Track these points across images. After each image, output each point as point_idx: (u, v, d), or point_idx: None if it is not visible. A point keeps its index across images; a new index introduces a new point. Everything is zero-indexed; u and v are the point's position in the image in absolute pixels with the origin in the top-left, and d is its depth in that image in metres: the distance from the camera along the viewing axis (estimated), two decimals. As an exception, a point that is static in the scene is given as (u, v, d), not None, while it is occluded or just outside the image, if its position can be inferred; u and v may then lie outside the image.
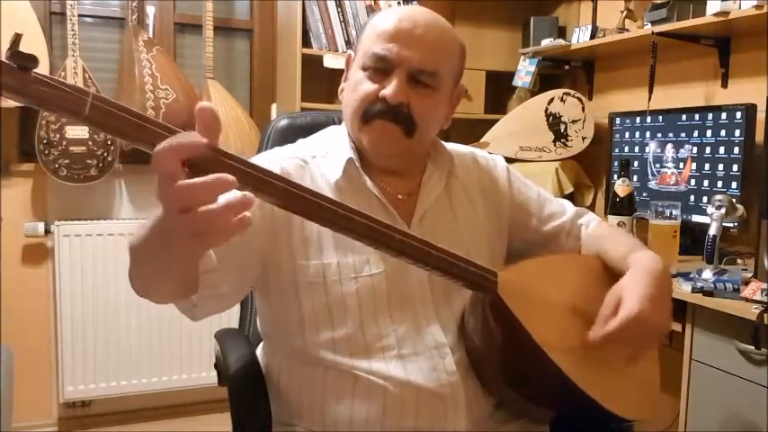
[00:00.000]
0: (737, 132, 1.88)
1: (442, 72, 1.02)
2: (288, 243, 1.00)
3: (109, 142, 2.43)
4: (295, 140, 1.15)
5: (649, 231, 1.85)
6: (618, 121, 2.34)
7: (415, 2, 2.56)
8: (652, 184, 2.19)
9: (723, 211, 1.69)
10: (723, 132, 1.93)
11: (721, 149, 1.93)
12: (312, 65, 2.47)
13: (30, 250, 2.50)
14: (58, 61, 2.47)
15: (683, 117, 2.07)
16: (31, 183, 2.49)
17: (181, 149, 0.58)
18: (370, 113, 1.00)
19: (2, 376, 1.99)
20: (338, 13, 2.52)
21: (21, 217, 2.46)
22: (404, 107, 0.99)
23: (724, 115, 1.93)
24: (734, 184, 1.89)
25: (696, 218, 2.00)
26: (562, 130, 2.56)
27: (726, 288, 1.54)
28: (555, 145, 2.56)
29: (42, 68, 2.42)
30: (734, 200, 1.74)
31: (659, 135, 2.16)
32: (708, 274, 1.61)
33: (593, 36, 2.43)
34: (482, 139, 2.62)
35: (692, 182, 2.04)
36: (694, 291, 1.56)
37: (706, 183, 1.99)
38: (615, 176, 2.20)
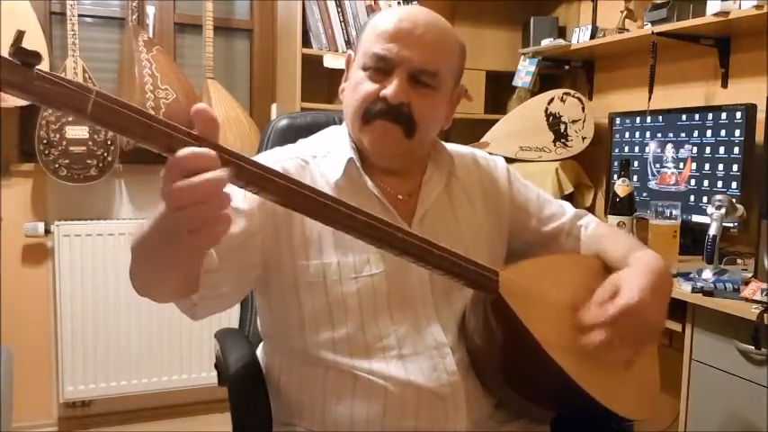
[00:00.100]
0: (737, 132, 1.89)
1: (443, 72, 1.02)
2: (288, 243, 1.00)
3: (109, 142, 2.43)
4: (295, 140, 1.15)
5: (649, 231, 1.85)
6: (618, 121, 2.34)
7: (416, 2, 2.56)
8: (652, 184, 2.19)
9: (723, 211, 1.69)
10: (723, 132, 1.93)
11: (721, 149, 1.94)
12: (312, 65, 2.47)
13: (30, 250, 2.50)
14: (58, 61, 2.47)
15: (683, 117, 2.07)
16: (31, 183, 2.49)
17: (204, 186, 0.60)
18: (371, 113, 1.00)
19: (2, 376, 1.99)
20: (338, 13, 2.52)
21: (21, 217, 2.46)
22: (404, 107, 0.99)
23: (724, 115, 1.93)
24: (734, 184, 1.89)
25: (696, 218, 2.00)
26: (562, 130, 2.56)
27: (726, 288, 1.54)
28: (555, 145, 2.56)
29: (42, 68, 2.41)
30: (734, 200, 1.74)
31: (659, 135, 2.16)
32: (708, 274, 1.61)
33: (593, 36, 2.43)
34: (482, 139, 2.62)
35: (692, 182, 2.04)
36: (694, 291, 1.56)
37: (706, 183, 1.99)
38: (615, 176, 2.20)
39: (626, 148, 2.30)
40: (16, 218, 2.45)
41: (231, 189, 0.64)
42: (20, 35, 0.57)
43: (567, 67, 2.73)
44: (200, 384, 2.64)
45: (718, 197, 1.73)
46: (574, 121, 2.56)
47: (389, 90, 0.98)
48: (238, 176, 0.67)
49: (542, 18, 2.75)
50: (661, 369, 1.08)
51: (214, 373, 1.25)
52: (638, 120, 2.25)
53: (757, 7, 1.78)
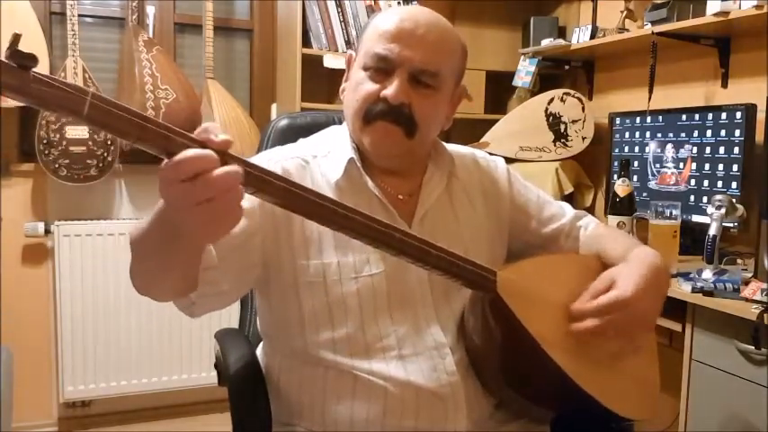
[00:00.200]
0: (737, 132, 1.89)
1: (444, 72, 1.02)
2: (288, 243, 1.00)
3: (109, 142, 2.43)
4: (295, 140, 1.15)
5: (649, 231, 1.85)
6: (618, 121, 2.34)
7: (416, 2, 2.56)
8: (652, 184, 2.19)
9: (723, 211, 1.69)
10: (723, 132, 1.93)
11: (721, 149, 1.94)
12: (312, 65, 2.47)
13: (30, 250, 2.50)
14: (58, 61, 2.47)
15: (683, 117, 2.07)
16: (31, 183, 2.49)
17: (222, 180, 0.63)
18: (372, 114, 1.00)
19: (2, 376, 1.99)
20: (338, 13, 2.52)
21: (21, 217, 2.46)
22: (405, 107, 0.99)
23: (724, 115, 1.93)
24: (734, 184, 1.89)
25: (696, 218, 2.00)
26: (562, 130, 2.56)
27: (726, 288, 1.54)
28: (555, 145, 2.56)
29: (42, 68, 2.42)
30: (734, 200, 1.74)
31: (659, 135, 2.16)
32: (708, 274, 1.61)
33: (593, 36, 2.43)
34: (482, 139, 2.62)
35: (692, 182, 2.04)
36: (694, 291, 1.56)
37: (706, 183, 1.99)
38: (615, 176, 2.20)
39: (626, 148, 2.30)
40: (16, 218, 2.45)
41: None
42: (16, 38, 0.57)
43: (567, 67, 2.73)
44: (200, 384, 2.64)
45: (718, 197, 1.73)
46: (574, 121, 2.56)
47: (390, 90, 0.98)
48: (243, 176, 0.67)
49: (542, 18, 2.75)
50: (661, 369, 1.08)
51: (214, 373, 1.25)
52: (638, 120, 2.25)
53: (757, 7, 1.78)
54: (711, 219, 1.70)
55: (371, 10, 2.54)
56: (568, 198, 2.45)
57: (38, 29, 2.33)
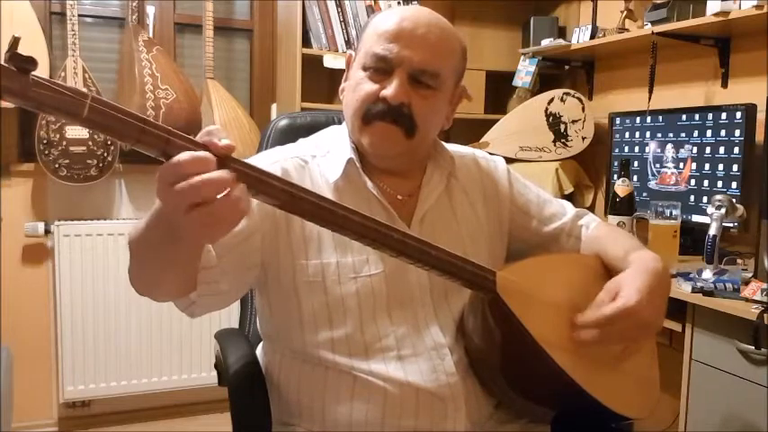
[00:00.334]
0: (737, 132, 1.89)
1: (444, 72, 1.02)
2: (287, 243, 1.00)
3: (109, 142, 2.43)
4: (295, 140, 1.15)
5: (649, 231, 1.85)
6: (618, 121, 2.34)
7: (416, 2, 2.56)
8: (652, 184, 2.19)
9: (723, 211, 1.69)
10: (723, 132, 1.93)
11: (721, 149, 1.94)
12: (312, 65, 2.47)
13: (30, 250, 2.50)
14: (58, 61, 2.47)
15: (683, 117, 2.07)
16: (31, 183, 2.49)
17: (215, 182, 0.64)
18: (371, 114, 1.00)
19: (2, 376, 1.99)
20: (338, 13, 2.52)
21: (21, 217, 2.46)
22: (404, 107, 0.99)
23: (724, 115, 1.93)
24: (734, 184, 1.89)
25: (696, 218, 2.00)
26: (562, 130, 2.56)
27: (726, 288, 1.54)
28: (555, 145, 2.56)
29: (42, 68, 2.40)
30: (734, 200, 1.74)
31: (659, 135, 2.16)
32: (708, 274, 1.61)
33: (593, 36, 2.43)
34: (482, 139, 2.62)
35: (692, 182, 2.04)
36: (694, 291, 1.56)
37: (706, 183, 1.99)
38: (615, 176, 2.20)
39: (626, 148, 2.30)
40: (16, 218, 2.45)
41: None
42: (15, 41, 0.57)
43: (567, 67, 2.73)
44: (200, 384, 2.64)
45: (718, 197, 1.73)
46: (574, 121, 2.56)
47: (389, 90, 0.98)
48: (235, 180, 0.67)
49: (542, 18, 2.75)
50: (661, 369, 1.08)
51: (214, 373, 1.25)
52: (638, 120, 2.25)
53: (757, 7, 1.78)
54: (711, 219, 1.70)
55: (371, 10, 2.54)
56: (568, 198, 2.44)
57: (38, 29, 2.33)
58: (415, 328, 1.00)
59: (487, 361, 0.99)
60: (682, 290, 1.59)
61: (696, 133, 2.02)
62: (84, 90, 0.62)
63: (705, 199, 1.97)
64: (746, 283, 1.55)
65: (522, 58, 2.71)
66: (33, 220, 2.48)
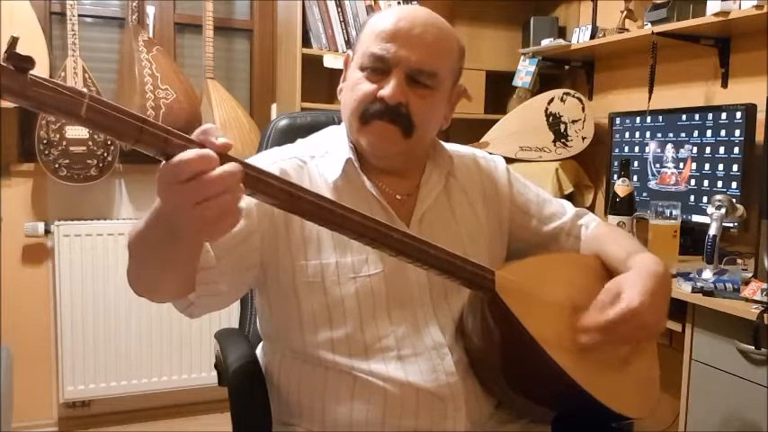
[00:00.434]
0: (737, 132, 1.89)
1: (441, 72, 1.02)
2: (287, 243, 1.00)
3: (109, 142, 2.43)
4: (295, 140, 1.15)
5: (649, 231, 1.85)
6: (618, 121, 2.34)
7: (415, 2, 2.56)
8: (652, 184, 2.19)
9: (723, 211, 1.69)
10: (723, 132, 1.93)
11: (721, 149, 1.94)
12: (312, 65, 2.47)
13: (30, 250, 2.50)
14: (58, 61, 2.47)
15: (683, 117, 2.07)
16: (31, 183, 2.49)
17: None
18: (369, 114, 1.00)
19: (2, 376, 1.99)
20: (338, 13, 2.52)
21: (21, 217, 2.46)
22: (402, 107, 0.99)
23: (724, 115, 1.93)
24: (734, 184, 1.89)
25: (696, 218, 2.00)
26: (562, 130, 2.56)
27: (726, 288, 1.54)
28: (555, 145, 2.56)
29: (42, 68, 2.39)
30: (734, 200, 1.74)
31: (659, 135, 2.16)
32: (708, 274, 1.61)
33: (593, 36, 2.43)
34: (482, 139, 2.62)
35: (692, 182, 2.04)
36: (694, 291, 1.56)
37: (706, 183, 1.99)
38: (615, 176, 2.20)
39: (626, 148, 2.30)
40: (16, 218, 2.45)
41: None
42: (14, 41, 0.58)
43: (567, 67, 2.73)
44: (200, 384, 2.64)
45: (718, 197, 1.73)
46: (574, 121, 2.56)
47: (387, 90, 0.98)
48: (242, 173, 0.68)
49: (542, 18, 2.75)
50: (661, 369, 1.08)
51: (214, 373, 1.25)
52: (638, 120, 2.25)
53: (757, 7, 1.78)
54: (711, 219, 1.70)
55: (371, 10, 2.54)
56: (568, 198, 2.43)
57: (38, 29, 2.33)
58: (414, 328, 1.00)
59: (487, 361, 0.99)
60: (682, 290, 1.59)
61: (696, 133, 2.02)
62: (84, 90, 0.62)
63: (705, 199, 1.97)
64: (746, 283, 1.55)
65: (522, 58, 2.71)
66: (33, 220, 2.48)
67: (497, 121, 2.67)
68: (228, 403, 1.10)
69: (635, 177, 2.22)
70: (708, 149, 1.98)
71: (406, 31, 0.99)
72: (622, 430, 1.10)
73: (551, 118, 2.57)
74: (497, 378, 0.99)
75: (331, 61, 2.46)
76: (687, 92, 2.24)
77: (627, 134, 2.30)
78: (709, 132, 1.98)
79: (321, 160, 1.07)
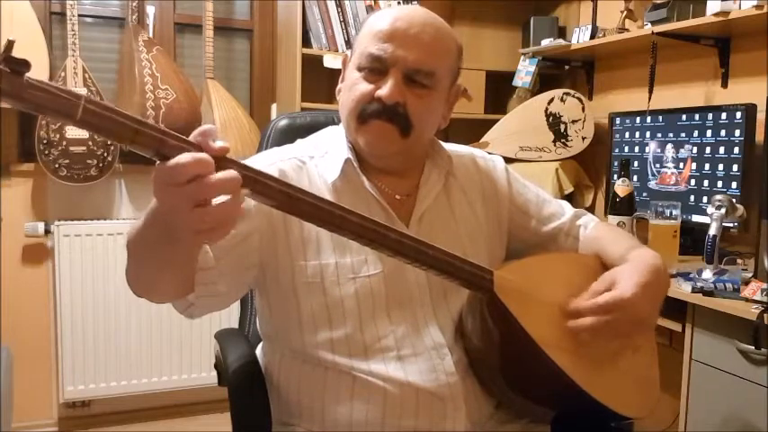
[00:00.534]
0: (737, 132, 1.89)
1: (439, 72, 1.02)
2: (286, 243, 1.00)
3: (109, 142, 2.43)
4: (295, 140, 1.15)
5: (649, 231, 1.85)
6: (618, 121, 2.34)
7: (415, 2, 2.56)
8: (652, 184, 2.19)
9: (723, 211, 1.69)
10: (723, 132, 1.93)
11: (721, 149, 1.94)
12: (312, 65, 2.47)
13: (30, 250, 2.50)
14: (58, 61, 2.47)
15: (683, 117, 2.07)
16: (31, 183, 2.49)
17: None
18: (366, 113, 1.00)
19: (2, 376, 1.99)
20: (338, 13, 2.52)
21: (21, 217, 2.46)
22: (400, 107, 0.99)
23: (724, 115, 1.93)
24: (734, 184, 1.89)
25: (696, 218, 2.00)
26: (562, 130, 2.56)
27: (726, 288, 1.54)
28: (555, 145, 2.56)
29: (42, 68, 2.39)
30: (734, 200, 1.74)
31: (659, 135, 2.16)
32: (708, 274, 1.61)
33: (593, 36, 2.43)
34: (482, 139, 2.62)
35: (692, 182, 2.04)
36: (694, 291, 1.56)
37: (706, 183, 1.99)
38: (615, 176, 2.20)
39: (626, 148, 2.30)
40: (16, 218, 2.45)
41: None
42: (9, 44, 0.58)
43: (567, 67, 2.73)
44: (200, 384, 2.64)
45: (718, 197, 1.73)
46: (574, 121, 2.56)
47: (384, 90, 0.98)
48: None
49: (542, 18, 2.75)
50: (661, 369, 1.08)
51: (214, 373, 1.25)
52: (638, 120, 2.25)
53: (757, 7, 1.78)
54: (711, 219, 1.70)
55: (371, 10, 2.54)
56: (568, 198, 2.44)
57: (38, 29, 2.33)
58: (414, 328, 1.00)
59: (486, 361, 0.99)
60: (682, 290, 1.59)
61: (696, 133, 2.02)
62: (83, 90, 0.62)
63: (705, 199, 1.97)
64: (746, 283, 1.55)
65: (522, 58, 2.71)
66: (33, 220, 2.48)
67: (497, 121, 2.67)
68: (228, 403, 1.10)
69: (635, 177, 2.22)
70: (708, 149, 1.98)
71: (404, 30, 0.99)
72: (622, 430, 1.10)
73: (551, 118, 2.57)
74: (497, 378, 0.99)
75: (331, 61, 2.46)
76: (687, 92, 2.24)
77: (627, 134, 2.30)
78: (709, 132, 1.98)
79: (320, 160, 1.07)
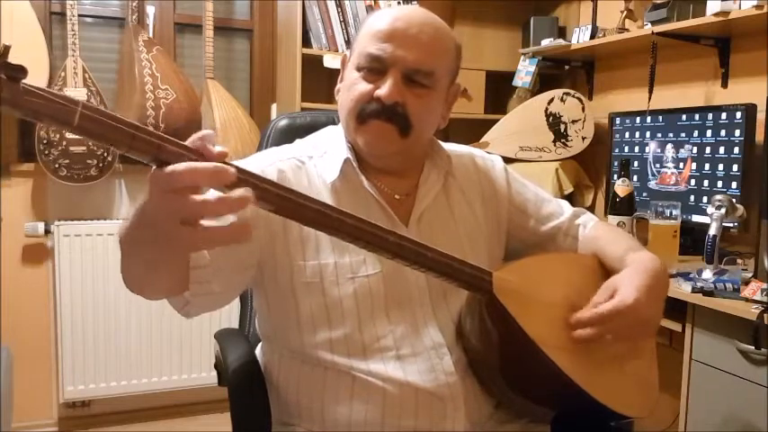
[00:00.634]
0: (737, 132, 1.88)
1: (438, 71, 1.02)
2: (284, 243, 1.00)
3: (109, 142, 2.43)
4: (295, 140, 1.15)
5: (649, 231, 1.85)
6: (618, 121, 2.34)
7: (416, 2, 2.56)
8: (652, 184, 2.19)
9: (723, 211, 1.69)
10: (723, 132, 1.93)
11: (721, 149, 1.93)
12: (312, 65, 2.47)
13: (30, 250, 2.50)
14: (58, 61, 2.47)
15: (683, 117, 2.07)
16: (31, 183, 2.49)
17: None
18: (365, 113, 1.00)
19: (2, 376, 1.99)
20: (338, 13, 2.52)
21: (21, 217, 2.46)
22: (399, 107, 0.99)
23: (724, 115, 1.93)
24: (734, 184, 1.89)
25: (696, 218, 2.00)
26: (562, 130, 2.56)
27: (726, 288, 1.54)
28: (555, 145, 2.56)
29: (42, 68, 2.38)
30: (734, 200, 1.74)
31: (659, 135, 2.16)
32: (708, 274, 1.61)
33: (593, 36, 2.43)
34: (482, 139, 2.62)
35: (692, 182, 2.04)
36: (694, 291, 1.56)
37: (706, 183, 1.99)
38: (615, 176, 2.20)
39: (626, 148, 2.30)
40: (16, 218, 2.45)
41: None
42: (5, 50, 0.58)
43: (567, 67, 2.73)
44: (200, 384, 2.64)
45: (718, 197, 1.73)
46: (574, 121, 2.56)
47: (383, 90, 0.98)
48: (230, 187, 0.66)
49: (542, 18, 2.75)
50: (661, 369, 1.08)
51: (214, 373, 1.25)
52: (638, 120, 2.25)
53: (757, 7, 1.78)
54: (711, 219, 1.70)
55: (371, 10, 2.54)
56: (568, 198, 2.44)
57: (38, 29, 2.33)
58: (413, 328, 1.00)
59: (486, 361, 0.99)
60: (682, 290, 1.59)
61: (696, 133, 2.02)
62: (83, 90, 0.62)
63: (705, 199, 1.97)
64: (746, 283, 1.55)
65: (522, 58, 2.71)
66: (33, 220, 2.48)
67: (497, 121, 2.67)
68: (228, 403, 1.10)
69: (635, 177, 2.22)
70: (708, 149, 1.98)
71: (403, 30, 0.99)
72: (622, 430, 1.10)
73: (551, 118, 2.57)
74: (496, 378, 0.99)
75: (331, 61, 2.46)
76: (687, 92, 2.24)
77: (627, 134, 2.30)
78: (709, 132, 1.98)
79: (319, 160, 1.07)
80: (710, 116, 1.97)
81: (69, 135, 2.37)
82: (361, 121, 1.00)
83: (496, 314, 0.93)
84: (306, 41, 2.46)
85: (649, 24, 2.16)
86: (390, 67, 0.98)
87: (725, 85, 2.10)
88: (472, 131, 2.65)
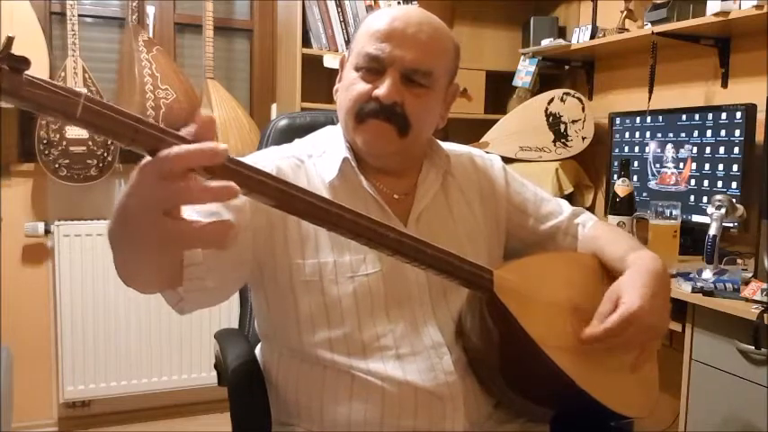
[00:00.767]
0: (737, 132, 1.88)
1: (436, 71, 1.02)
2: (284, 241, 0.99)
3: (109, 142, 2.43)
4: (294, 140, 1.15)
5: (649, 231, 1.85)
6: (618, 121, 2.34)
7: (415, 2, 2.56)
8: (652, 184, 2.19)
9: (723, 211, 1.69)
10: (723, 132, 1.93)
11: (721, 149, 1.93)
12: (312, 65, 2.47)
13: (30, 250, 2.50)
14: (58, 61, 2.47)
15: (683, 117, 2.07)
16: (31, 183, 2.49)
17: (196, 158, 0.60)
18: (364, 113, 1.00)
19: (2, 376, 1.99)
20: (338, 13, 2.52)
21: (21, 217, 2.47)
22: (397, 107, 0.99)
23: (724, 115, 1.93)
24: (734, 184, 1.89)
25: (696, 218, 2.00)
26: (562, 130, 2.56)
27: (726, 288, 1.54)
28: (555, 145, 2.56)
29: (42, 68, 2.39)
30: (734, 200, 1.74)
31: (659, 135, 2.16)
32: (708, 274, 1.61)
33: (593, 36, 2.43)
34: (482, 139, 2.62)
35: (692, 182, 2.04)
36: (694, 291, 1.56)
37: (706, 183, 1.99)
38: (615, 176, 2.20)
39: (626, 148, 2.30)
40: (16, 218, 2.45)
41: None
42: (9, 41, 0.57)
43: (567, 67, 2.73)
44: (200, 384, 2.64)
45: (718, 197, 1.73)
46: (574, 121, 2.56)
47: (382, 90, 0.98)
48: (229, 179, 0.65)
49: (542, 18, 2.75)
50: (661, 369, 1.08)
51: (214, 373, 1.25)
52: (638, 120, 2.25)
53: (757, 7, 1.78)
54: (711, 219, 1.70)
55: (371, 10, 2.54)
56: (568, 198, 2.43)
57: (38, 29, 2.33)
58: (413, 327, 1.00)
59: (486, 361, 0.99)
60: (682, 290, 1.59)
61: (696, 133, 2.02)
62: (83, 89, 0.62)
63: (705, 199, 1.97)
64: (746, 283, 1.55)
65: (522, 58, 2.71)
66: (33, 220, 2.48)
67: (497, 121, 2.67)
68: (228, 403, 1.10)
69: (635, 177, 2.22)
70: (708, 149, 1.98)
71: (401, 30, 0.99)
72: (622, 430, 1.09)
73: (551, 118, 2.57)
74: (496, 378, 0.99)
75: (331, 61, 2.46)
76: (687, 92, 2.24)
77: (627, 134, 2.30)
78: (709, 132, 1.97)
79: (318, 160, 1.07)
80: (710, 116, 1.97)
81: (69, 135, 2.37)
82: (360, 121, 1.00)
83: (497, 313, 0.93)
84: (306, 41, 2.46)
85: (649, 24, 2.16)
86: (389, 66, 0.98)
87: (725, 85, 2.10)
88: (472, 131, 2.65)
